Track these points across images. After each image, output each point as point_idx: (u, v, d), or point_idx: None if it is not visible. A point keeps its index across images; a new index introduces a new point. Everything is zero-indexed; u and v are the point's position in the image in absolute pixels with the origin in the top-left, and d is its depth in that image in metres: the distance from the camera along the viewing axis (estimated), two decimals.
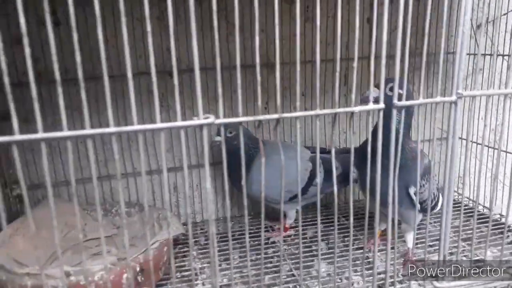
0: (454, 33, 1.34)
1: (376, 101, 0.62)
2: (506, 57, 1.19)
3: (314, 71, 1.24)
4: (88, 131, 0.49)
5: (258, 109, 0.53)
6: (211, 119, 0.50)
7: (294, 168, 0.65)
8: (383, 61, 0.58)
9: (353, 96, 0.61)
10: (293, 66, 1.24)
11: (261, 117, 0.52)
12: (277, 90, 0.54)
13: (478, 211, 1.24)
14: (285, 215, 1.20)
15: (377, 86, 0.75)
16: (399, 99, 0.58)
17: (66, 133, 0.48)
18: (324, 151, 1.22)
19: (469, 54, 1.20)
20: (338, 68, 0.57)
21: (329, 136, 1.32)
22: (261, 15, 0.59)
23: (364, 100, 0.82)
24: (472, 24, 1.27)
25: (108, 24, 1.02)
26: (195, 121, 0.50)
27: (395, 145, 0.60)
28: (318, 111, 0.54)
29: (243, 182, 0.59)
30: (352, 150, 0.64)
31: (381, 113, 0.57)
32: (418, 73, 1.31)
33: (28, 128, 0.51)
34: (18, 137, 0.46)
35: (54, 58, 0.46)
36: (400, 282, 0.88)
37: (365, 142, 0.66)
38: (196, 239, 1.19)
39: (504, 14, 1.20)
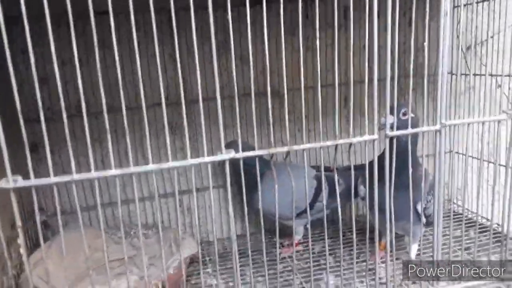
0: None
1: (392, 127, 0.71)
2: (495, 77, 1.27)
3: (315, 95, 1.32)
4: (112, 171, 0.63)
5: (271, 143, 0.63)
6: (232, 153, 0.61)
7: (300, 186, 0.73)
8: (375, 85, 0.68)
9: (352, 122, 0.70)
10: (296, 91, 1.33)
11: (273, 150, 0.63)
12: (286, 124, 0.63)
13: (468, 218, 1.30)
14: None
15: (391, 111, 0.81)
16: (391, 127, 0.67)
17: (94, 174, 0.62)
18: (328, 169, 1.29)
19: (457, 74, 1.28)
20: (337, 94, 0.67)
21: (333, 156, 1.40)
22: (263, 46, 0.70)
23: (381, 128, 0.86)
24: (461, 46, 1.35)
25: (126, 62, 1.12)
26: (218, 156, 0.61)
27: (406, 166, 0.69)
28: (322, 143, 0.64)
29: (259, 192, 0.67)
30: (352, 168, 0.72)
31: (376, 143, 0.66)
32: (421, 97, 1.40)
33: (54, 159, 0.61)
34: (54, 179, 0.60)
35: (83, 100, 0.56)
36: None
37: (373, 160, 0.73)
38: (211, 257, 1.26)
39: (492, 37, 1.28)
